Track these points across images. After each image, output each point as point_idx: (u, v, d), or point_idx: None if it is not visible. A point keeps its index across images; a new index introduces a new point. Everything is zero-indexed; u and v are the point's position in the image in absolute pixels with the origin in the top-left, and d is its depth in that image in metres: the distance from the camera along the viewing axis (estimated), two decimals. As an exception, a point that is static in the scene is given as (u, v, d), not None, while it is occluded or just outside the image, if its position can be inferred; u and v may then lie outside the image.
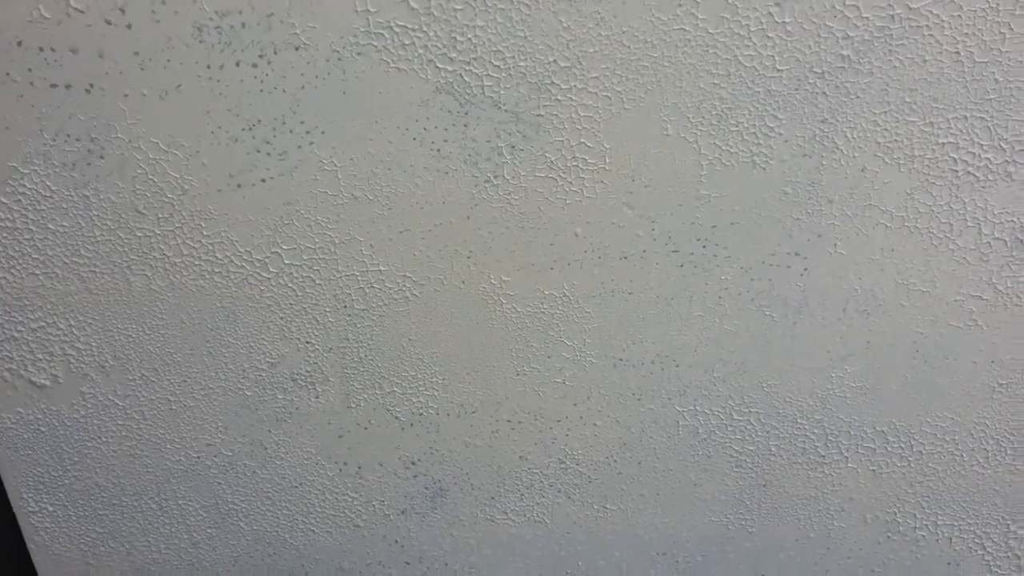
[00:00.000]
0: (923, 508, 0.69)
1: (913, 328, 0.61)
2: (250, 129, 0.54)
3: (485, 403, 0.64)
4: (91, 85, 0.52)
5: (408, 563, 0.73)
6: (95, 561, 0.71)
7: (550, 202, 0.56)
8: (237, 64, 0.52)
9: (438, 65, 0.52)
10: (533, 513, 0.70)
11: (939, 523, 0.70)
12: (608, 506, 0.69)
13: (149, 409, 0.63)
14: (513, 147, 0.54)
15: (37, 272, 0.57)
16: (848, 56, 0.52)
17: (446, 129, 0.54)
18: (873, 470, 0.67)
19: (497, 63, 0.52)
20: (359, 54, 0.52)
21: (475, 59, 0.52)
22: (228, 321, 0.60)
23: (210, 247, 0.57)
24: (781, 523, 0.70)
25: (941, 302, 0.60)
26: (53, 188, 0.55)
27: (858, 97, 0.53)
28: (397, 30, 0.51)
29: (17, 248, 0.57)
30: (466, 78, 0.52)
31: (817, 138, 0.54)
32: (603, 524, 0.70)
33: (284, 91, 0.53)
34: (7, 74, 0.52)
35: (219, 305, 0.59)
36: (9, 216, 0.56)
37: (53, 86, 0.52)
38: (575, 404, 0.64)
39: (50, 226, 0.56)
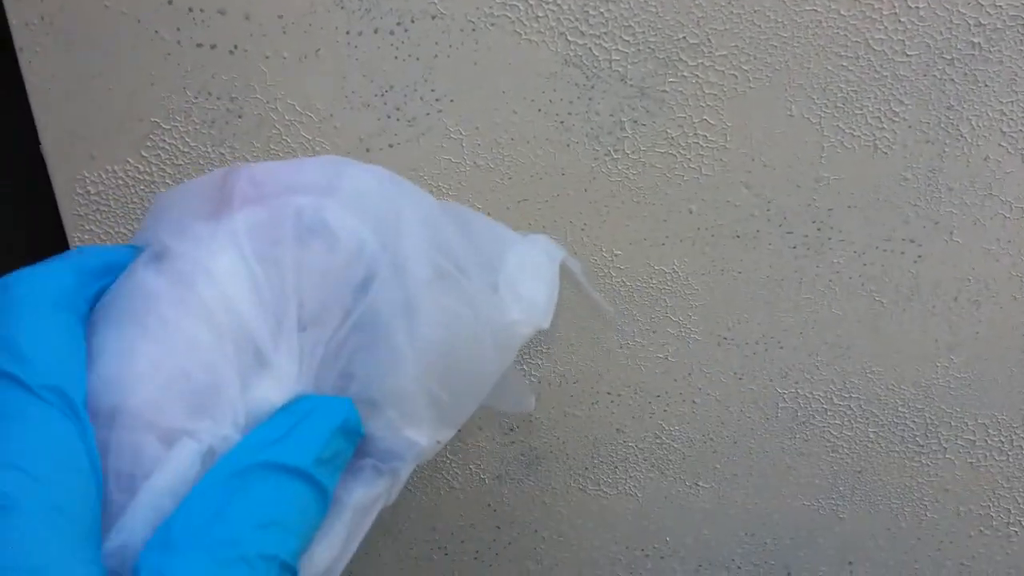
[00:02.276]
0: (1018, 504, 0.69)
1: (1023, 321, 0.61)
2: (382, 95, 0.56)
3: (587, 374, 0.66)
4: (235, 46, 0.55)
5: (499, 527, 0.74)
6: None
7: (667, 178, 0.57)
8: (375, 31, 0.54)
9: (569, 38, 0.53)
10: (625, 486, 0.71)
11: (1034, 521, 0.70)
12: (700, 483, 0.70)
13: (266, 362, 0.66)
14: (635, 122, 0.55)
15: (171, 225, 0.60)
16: (979, 43, 0.52)
17: (571, 102, 0.55)
18: (971, 463, 0.67)
19: (627, 38, 0.53)
20: (493, 25, 0.53)
21: (605, 33, 0.53)
22: (348, 280, 0.62)
23: (336, 208, 0.59)
24: (873, 511, 0.70)
25: (1054, 296, 0.60)
26: (192, 144, 0.58)
27: (986, 85, 0.53)
28: (532, 2, 0.52)
29: (153, 201, 0.59)
30: (595, 52, 0.53)
31: (942, 125, 0.54)
32: (694, 501, 0.72)
33: (418, 59, 0.54)
34: (156, 32, 0.54)
35: (340, 264, 0.61)
36: (148, 170, 0.59)
37: (199, 45, 0.55)
38: (675, 380, 0.65)
39: (186, 180, 0.59)
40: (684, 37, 0.52)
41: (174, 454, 0.27)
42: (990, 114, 0.54)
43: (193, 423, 0.27)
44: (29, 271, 0.29)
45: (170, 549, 0.26)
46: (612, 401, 0.67)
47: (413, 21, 0.53)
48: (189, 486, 0.27)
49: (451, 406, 0.37)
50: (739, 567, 0.75)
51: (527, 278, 0.41)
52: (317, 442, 0.30)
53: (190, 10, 0.53)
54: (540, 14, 0.52)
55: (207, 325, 0.28)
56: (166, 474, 0.27)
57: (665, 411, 0.67)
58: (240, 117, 0.57)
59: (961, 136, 0.55)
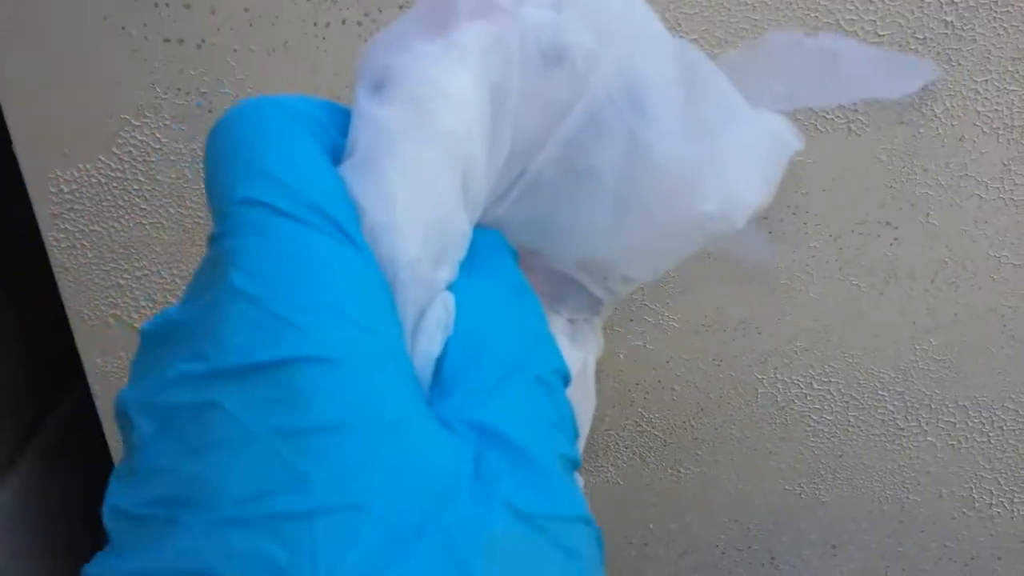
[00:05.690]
0: (1000, 485, 0.69)
1: (1002, 302, 0.61)
2: (351, 87, 0.55)
3: (567, 364, 0.65)
4: (203, 40, 0.54)
5: (483, 519, 0.74)
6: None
7: (642, 165, 0.57)
8: (343, 22, 0.53)
9: (538, 26, 0.53)
10: (607, 474, 0.71)
11: (1015, 500, 0.70)
12: (682, 470, 0.70)
13: (243, 358, 0.65)
14: (608, 109, 0.55)
15: (144, 222, 0.60)
16: (951, 22, 0.51)
17: (543, 90, 0.55)
18: (952, 444, 0.67)
19: (597, 25, 0.52)
20: (461, 14, 0.53)
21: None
22: (323, 274, 0.61)
23: (309, 201, 0.59)
24: (855, 494, 0.71)
25: (1032, 276, 0.60)
26: (163, 141, 0.57)
27: (959, 64, 0.53)
28: (500, -9, 0.52)
29: (126, 199, 0.59)
30: (565, 39, 0.53)
31: (915, 105, 0.54)
32: (676, 488, 0.71)
33: (387, 49, 0.54)
34: (123, 28, 0.54)
35: (315, 258, 0.61)
36: (120, 167, 0.58)
37: (166, 41, 0.54)
38: (655, 368, 0.65)
39: (158, 177, 0.58)
40: (654, 23, 0.52)
41: (432, 312, 0.25)
42: (964, 93, 0.54)
43: (439, 272, 0.25)
44: (290, 101, 0.25)
45: (472, 393, 0.24)
46: (593, 390, 0.67)
47: (380, 11, 0.53)
48: (444, 335, 0.25)
49: (621, 278, 0.32)
50: (723, 553, 0.75)
51: (741, 164, 0.31)
52: (509, 262, 0.28)
53: (156, 5, 0.53)
54: (509, 2, 0.52)
55: (448, 160, 0.25)
56: (430, 338, 0.25)
57: (645, 399, 0.67)
58: (210, 111, 0.56)
59: (936, 116, 0.54)
